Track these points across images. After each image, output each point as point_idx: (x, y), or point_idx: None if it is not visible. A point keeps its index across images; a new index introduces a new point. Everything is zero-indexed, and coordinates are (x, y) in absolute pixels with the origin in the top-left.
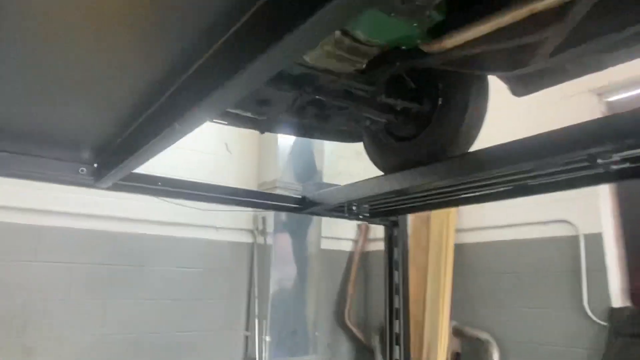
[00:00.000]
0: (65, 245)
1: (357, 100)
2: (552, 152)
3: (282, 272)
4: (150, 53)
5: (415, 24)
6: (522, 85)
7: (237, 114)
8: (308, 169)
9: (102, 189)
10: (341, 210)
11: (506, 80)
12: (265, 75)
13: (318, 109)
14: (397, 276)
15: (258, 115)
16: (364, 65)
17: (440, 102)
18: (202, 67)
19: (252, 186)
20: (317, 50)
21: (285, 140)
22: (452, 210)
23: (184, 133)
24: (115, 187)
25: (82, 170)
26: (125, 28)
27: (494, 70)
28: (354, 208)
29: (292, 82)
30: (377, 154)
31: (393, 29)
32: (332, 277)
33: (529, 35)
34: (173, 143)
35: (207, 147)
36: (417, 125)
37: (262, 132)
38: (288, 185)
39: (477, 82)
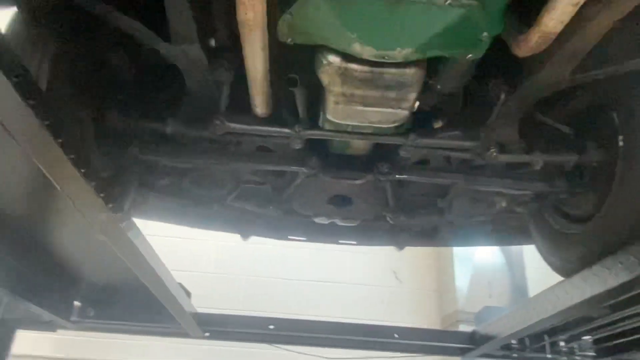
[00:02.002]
0: None
1: (460, 169)
2: None
3: None
4: None
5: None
6: None
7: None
8: (510, 293)
9: (200, 337)
10: (539, 349)
11: None
12: None
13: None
14: None
15: (344, 219)
16: (414, 104)
17: (621, 143)
18: None
19: (433, 321)
20: (330, 98)
21: (468, 258)
22: None
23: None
24: (216, 336)
25: None
26: None
27: None
28: (561, 343)
29: (358, 165)
30: (549, 250)
31: (409, 23)
32: None
33: None
34: None
35: (373, 279)
36: (595, 189)
37: (399, 248)
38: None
39: None
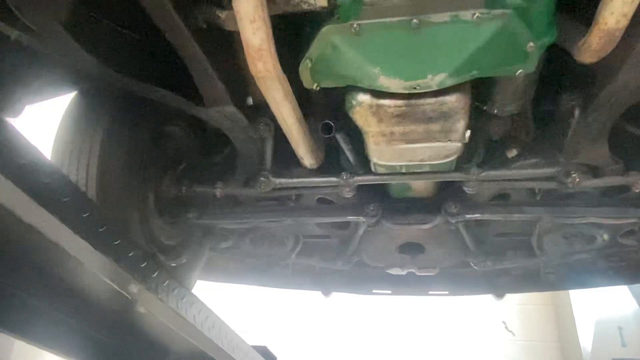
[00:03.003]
0: None
1: (545, 201)
2: None
3: None
4: None
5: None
6: None
7: None
8: None
9: None
10: None
11: None
12: None
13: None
14: None
15: (420, 269)
16: (465, 134)
17: None
18: None
19: None
20: (370, 139)
21: (589, 302)
22: None
23: None
24: None
25: None
26: None
27: None
28: None
29: (423, 208)
30: None
31: (435, 47)
32: None
33: None
34: None
35: (480, 332)
36: None
37: (498, 296)
38: None
39: None
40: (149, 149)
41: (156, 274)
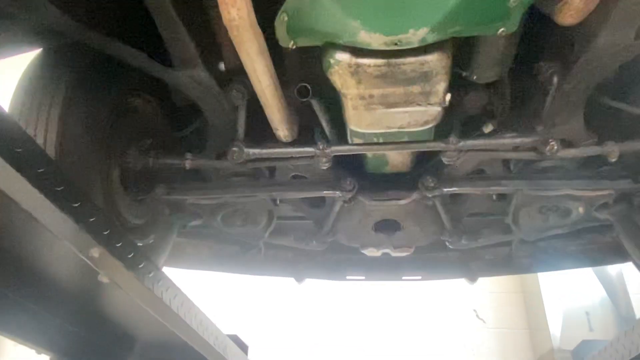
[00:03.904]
0: None
1: (521, 175)
2: None
3: None
4: None
5: None
6: None
7: None
8: (616, 325)
9: None
10: None
11: None
12: None
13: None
14: None
15: (396, 248)
16: (445, 97)
17: None
18: None
19: None
20: (348, 103)
21: (558, 288)
22: None
23: None
24: None
25: None
26: None
27: None
28: None
29: (401, 184)
30: None
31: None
32: None
33: None
34: None
35: (451, 319)
36: None
37: (471, 280)
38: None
39: None
40: (114, 120)
41: (121, 244)
